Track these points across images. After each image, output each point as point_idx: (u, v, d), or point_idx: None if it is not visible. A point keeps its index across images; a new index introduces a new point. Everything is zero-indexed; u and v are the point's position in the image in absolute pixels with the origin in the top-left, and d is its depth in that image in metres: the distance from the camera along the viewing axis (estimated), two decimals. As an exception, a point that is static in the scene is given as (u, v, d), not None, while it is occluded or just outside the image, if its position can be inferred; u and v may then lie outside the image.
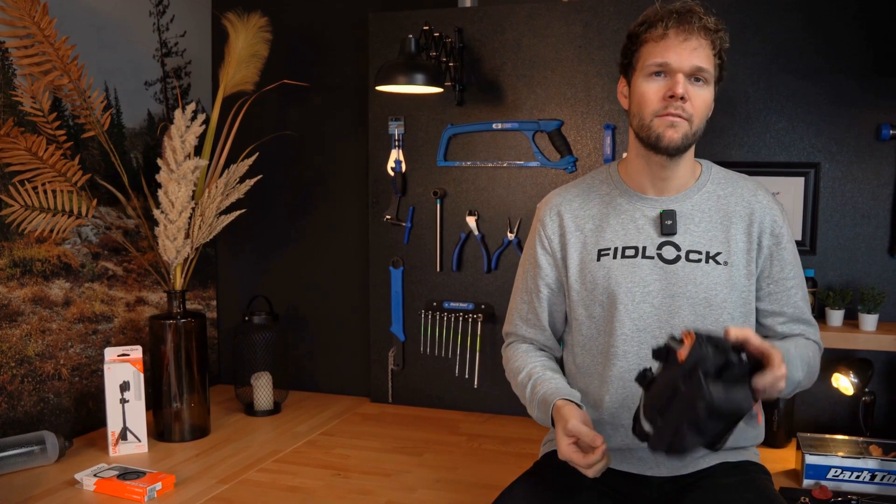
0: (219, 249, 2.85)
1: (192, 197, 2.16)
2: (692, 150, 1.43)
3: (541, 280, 1.51)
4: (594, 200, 1.49)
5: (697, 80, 1.33)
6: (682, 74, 1.31)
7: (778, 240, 1.41)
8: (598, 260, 1.43)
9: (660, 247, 1.40)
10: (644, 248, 1.41)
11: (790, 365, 1.27)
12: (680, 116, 1.32)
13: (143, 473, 1.87)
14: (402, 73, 2.14)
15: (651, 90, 1.34)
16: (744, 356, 1.10)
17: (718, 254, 1.38)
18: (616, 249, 1.42)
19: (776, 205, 1.44)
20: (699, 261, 1.38)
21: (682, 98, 1.31)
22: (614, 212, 1.45)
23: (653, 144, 1.36)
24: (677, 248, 1.39)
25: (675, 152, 1.36)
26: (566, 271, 1.47)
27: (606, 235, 1.44)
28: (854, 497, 1.78)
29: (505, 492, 1.36)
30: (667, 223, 1.40)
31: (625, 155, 2.24)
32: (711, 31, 1.33)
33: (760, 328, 1.45)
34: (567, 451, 1.25)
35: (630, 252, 1.41)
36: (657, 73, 1.34)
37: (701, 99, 1.34)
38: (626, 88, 1.43)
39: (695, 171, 1.46)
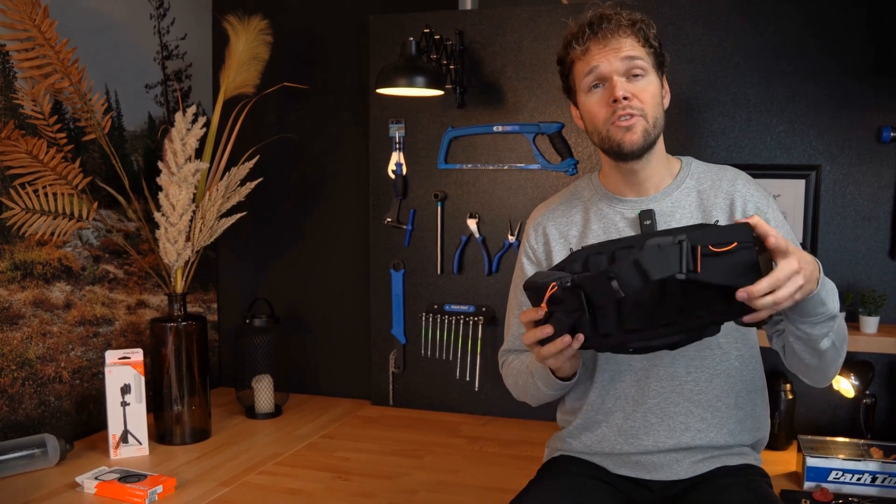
0: (220, 252, 2.85)
1: (192, 200, 2.16)
2: (661, 146, 1.41)
3: None
4: (577, 208, 1.49)
5: (635, 75, 1.33)
6: (616, 75, 1.32)
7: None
8: None
9: None
10: None
11: (825, 286, 1.17)
12: (631, 115, 1.32)
13: (144, 476, 1.87)
14: (402, 75, 2.14)
15: (594, 102, 1.36)
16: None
17: None
18: None
19: (758, 191, 1.41)
20: None
21: (625, 98, 1.31)
22: (596, 216, 1.45)
23: (616, 153, 1.36)
24: None
25: (640, 153, 1.35)
26: None
27: (589, 240, 1.43)
28: (855, 499, 1.78)
29: (514, 503, 1.36)
30: (645, 223, 1.39)
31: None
32: (627, 25, 1.33)
33: (769, 320, 1.44)
34: (524, 337, 1.20)
35: None
36: (595, 86, 1.35)
37: (645, 91, 1.33)
38: (577, 111, 1.44)
39: (672, 168, 1.45)
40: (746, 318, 1.06)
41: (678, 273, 1.01)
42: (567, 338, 1.12)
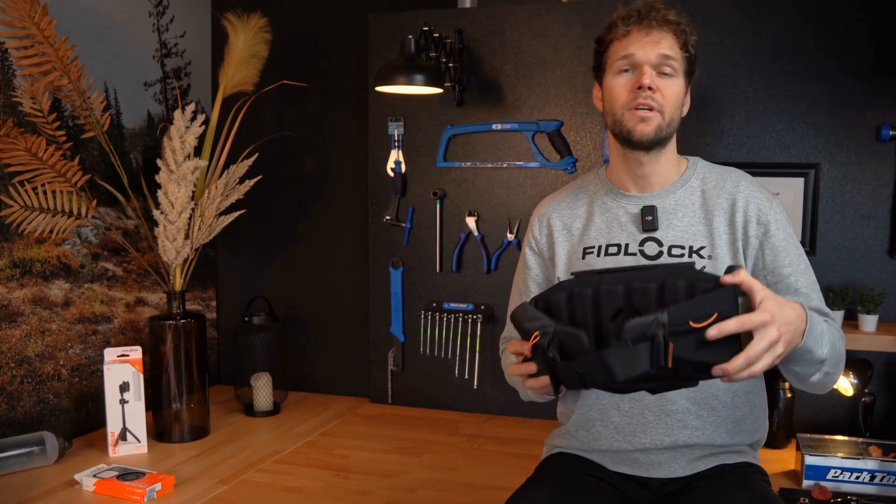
0: (218, 250, 2.85)
1: (191, 197, 2.16)
2: (673, 146, 1.43)
3: (530, 280, 1.54)
4: (582, 200, 1.51)
5: (665, 72, 1.35)
6: (648, 66, 1.34)
7: (766, 228, 1.38)
8: (583, 258, 1.44)
9: (642, 243, 1.40)
10: (626, 246, 1.41)
11: (812, 334, 1.16)
12: (651, 108, 1.33)
13: (143, 474, 1.87)
14: (401, 73, 2.14)
15: (619, 85, 1.37)
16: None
17: (702, 248, 1.38)
18: (599, 247, 1.43)
19: (761, 193, 1.41)
20: (682, 256, 1.37)
21: (650, 88, 1.33)
22: (600, 210, 1.47)
23: (626, 139, 1.37)
24: (659, 243, 1.39)
25: (649, 145, 1.36)
26: (554, 270, 1.49)
27: (591, 234, 1.45)
28: (853, 498, 1.78)
29: (511, 499, 1.36)
30: (647, 219, 1.40)
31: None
32: (673, 23, 1.36)
33: None
34: (511, 369, 1.24)
35: (613, 249, 1.42)
36: (625, 70, 1.36)
37: (670, 90, 1.35)
38: (600, 92, 1.45)
39: (679, 166, 1.46)
40: (724, 380, 1.05)
41: (648, 370, 1.01)
42: (548, 377, 1.15)
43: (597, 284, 1.13)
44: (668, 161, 1.42)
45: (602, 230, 1.44)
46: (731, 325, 1.01)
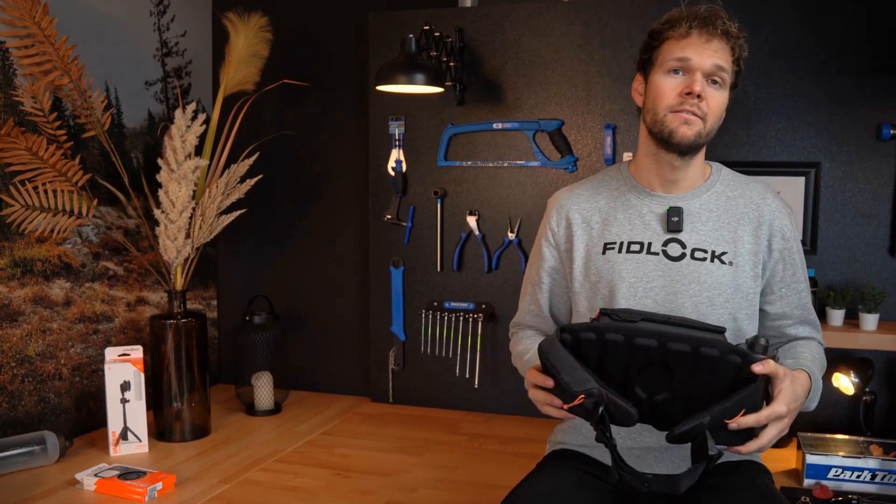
0: (219, 249, 2.85)
1: (192, 197, 2.16)
2: (703, 153, 1.44)
3: (543, 271, 1.54)
4: (603, 195, 1.50)
5: (714, 81, 1.35)
6: (700, 73, 1.34)
7: (788, 243, 1.42)
8: (604, 253, 1.44)
9: (665, 243, 1.41)
10: (649, 244, 1.42)
11: (814, 393, 1.32)
12: (695, 115, 1.34)
13: (144, 473, 1.87)
14: (402, 72, 2.14)
15: (668, 85, 1.36)
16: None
17: (724, 253, 1.39)
18: (621, 244, 1.43)
19: (785, 208, 1.45)
20: (704, 259, 1.39)
21: (698, 96, 1.33)
22: (622, 207, 1.47)
23: (665, 140, 1.37)
24: (683, 245, 1.40)
25: (686, 149, 1.37)
26: (571, 263, 1.48)
27: (613, 230, 1.45)
28: (855, 497, 1.78)
29: (511, 494, 1.36)
30: (673, 220, 1.41)
31: (626, 156, 2.26)
32: (733, 36, 1.36)
33: (768, 331, 1.46)
34: (533, 394, 1.29)
35: (635, 247, 1.42)
36: (675, 71, 1.36)
37: (716, 100, 1.36)
38: (642, 85, 1.44)
39: (704, 171, 1.47)
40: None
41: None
42: (569, 414, 1.22)
43: (630, 334, 1.17)
44: (697, 167, 1.44)
45: (624, 226, 1.44)
46: (749, 421, 1.15)
